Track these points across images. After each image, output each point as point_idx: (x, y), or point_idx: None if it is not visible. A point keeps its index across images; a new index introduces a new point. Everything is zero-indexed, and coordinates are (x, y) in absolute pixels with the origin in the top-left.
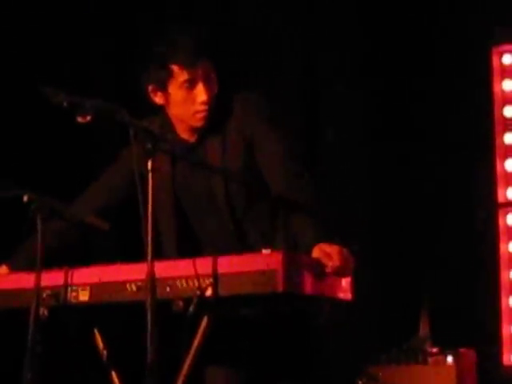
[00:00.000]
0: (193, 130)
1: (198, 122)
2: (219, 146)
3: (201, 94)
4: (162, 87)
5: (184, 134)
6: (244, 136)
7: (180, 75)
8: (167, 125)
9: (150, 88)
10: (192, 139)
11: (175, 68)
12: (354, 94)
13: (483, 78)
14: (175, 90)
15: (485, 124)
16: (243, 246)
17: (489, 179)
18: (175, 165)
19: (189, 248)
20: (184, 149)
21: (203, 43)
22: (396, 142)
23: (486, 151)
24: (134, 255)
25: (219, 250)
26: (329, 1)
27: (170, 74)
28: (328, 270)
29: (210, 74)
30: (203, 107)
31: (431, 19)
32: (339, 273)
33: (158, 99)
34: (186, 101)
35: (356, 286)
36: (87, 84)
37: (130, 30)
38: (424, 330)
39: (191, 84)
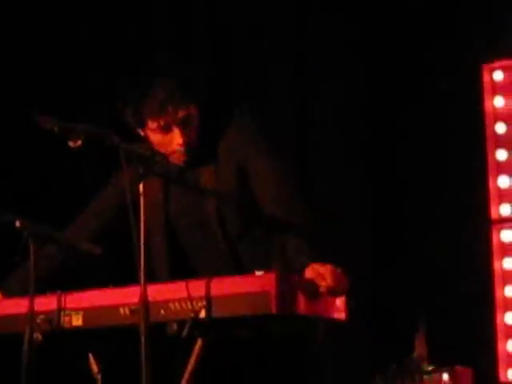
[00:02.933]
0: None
1: (177, 160)
2: (212, 171)
3: (176, 137)
4: (140, 131)
5: (175, 160)
6: (237, 160)
7: (151, 124)
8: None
9: (131, 124)
10: (184, 164)
11: (146, 118)
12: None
13: (474, 94)
14: (151, 135)
15: (477, 141)
16: (237, 268)
17: (481, 196)
18: (167, 188)
19: (181, 271)
20: (176, 173)
21: (179, 86)
22: (388, 160)
23: (479, 168)
24: (125, 279)
25: (213, 272)
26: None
27: (144, 122)
28: (322, 289)
29: (186, 117)
30: (181, 148)
31: (422, 38)
32: (333, 292)
33: (141, 133)
34: (162, 142)
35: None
36: (79, 110)
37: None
38: (420, 348)
39: (165, 129)
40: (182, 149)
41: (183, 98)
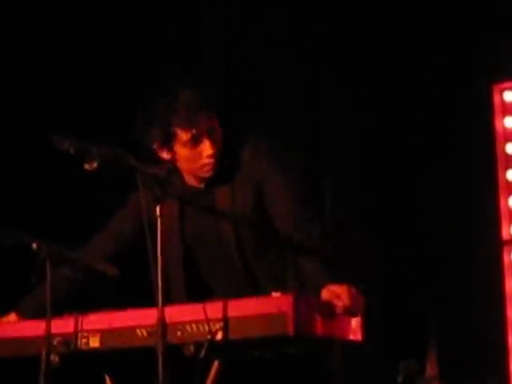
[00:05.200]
0: (201, 178)
1: (206, 173)
2: (228, 192)
3: (207, 148)
4: (168, 146)
5: (192, 181)
6: (253, 181)
7: (183, 135)
8: (175, 172)
9: (156, 146)
10: (200, 186)
11: (178, 130)
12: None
13: (485, 115)
14: (180, 149)
15: (487, 161)
16: (253, 289)
17: (492, 216)
18: (184, 210)
19: (197, 293)
20: (192, 194)
21: (203, 97)
22: (396, 179)
23: (489, 188)
24: (143, 300)
25: (229, 294)
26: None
27: (174, 136)
28: (338, 310)
29: (213, 127)
30: (210, 160)
31: (432, 56)
32: (350, 312)
33: (165, 155)
34: (192, 157)
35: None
36: (92, 132)
37: (129, 78)
38: (431, 368)
39: (196, 141)
40: (212, 161)
41: (209, 107)
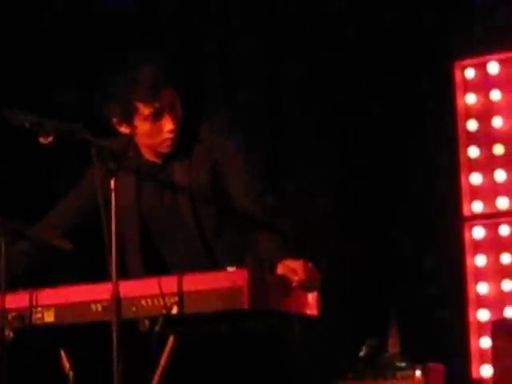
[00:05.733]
0: (159, 153)
1: (165, 149)
2: (186, 168)
3: (167, 124)
4: (128, 121)
5: (150, 157)
6: (210, 158)
7: (145, 110)
8: (132, 146)
9: (115, 120)
10: (158, 161)
11: (139, 104)
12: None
13: (446, 92)
14: (141, 123)
15: (449, 138)
16: (211, 265)
17: (454, 193)
18: (140, 185)
19: (155, 267)
20: (150, 169)
21: (164, 72)
22: (358, 156)
23: (451, 165)
24: (99, 275)
25: (187, 269)
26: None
27: (135, 110)
28: (294, 284)
29: (174, 102)
30: (171, 135)
31: (393, 32)
32: (305, 287)
33: (124, 129)
34: (152, 131)
35: (323, 302)
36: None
37: (90, 54)
38: (393, 345)
39: (157, 116)
40: (172, 136)
41: (169, 82)
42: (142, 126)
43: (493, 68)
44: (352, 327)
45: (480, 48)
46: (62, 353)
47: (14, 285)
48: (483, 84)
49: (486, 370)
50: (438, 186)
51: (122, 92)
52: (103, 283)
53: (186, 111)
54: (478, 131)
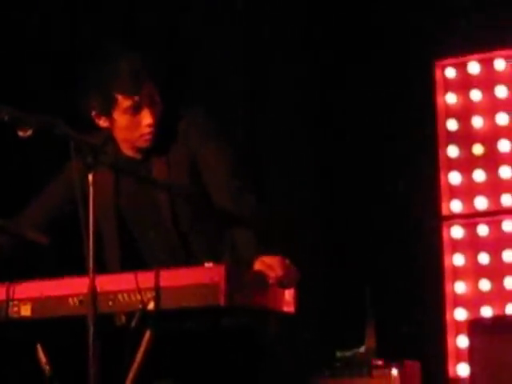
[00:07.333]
0: (138, 148)
1: (143, 143)
2: (164, 163)
3: (146, 117)
4: (106, 113)
5: (128, 152)
6: (189, 153)
7: (124, 102)
8: (111, 141)
9: (94, 113)
10: (137, 156)
11: (119, 96)
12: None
13: (426, 91)
14: (120, 116)
15: (428, 137)
16: (188, 260)
17: (433, 192)
18: (119, 180)
19: (132, 262)
20: (128, 164)
21: (145, 65)
22: (336, 155)
23: (430, 164)
24: (77, 269)
25: (164, 264)
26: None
27: (114, 103)
28: (271, 280)
29: (153, 97)
30: (149, 129)
31: (375, 32)
32: (282, 283)
33: (102, 123)
34: (131, 125)
35: (300, 299)
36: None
37: (69, 49)
38: (369, 342)
39: (136, 109)
40: (151, 130)
41: (149, 75)
42: (121, 120)
43: (473, 68)
44: (329, 325)
45: (460, 48)
46: (39, 346)
47: None
48: (463, 84)
49: (463, 369)
50: (417, 184)
51: (102, 83)
52: (80, 277)
53: (165, 106)
54: (457, 131)
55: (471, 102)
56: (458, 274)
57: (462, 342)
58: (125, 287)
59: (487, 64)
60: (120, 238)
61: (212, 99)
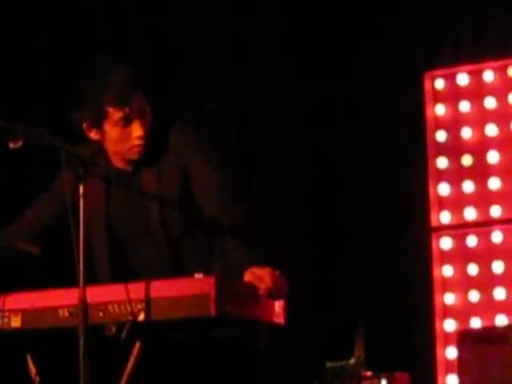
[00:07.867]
0: (128, 160)
1: (134, 155)
2: (155, 175)
3: (136, 129)
4: (97, 125)
5: (119, 164)
6: (179, 165)
7: (115, 114)
8: (102, 153)
9: (85, 125)
10: (128, 168)
11: (110, 109)
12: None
13: (415, 102)
14: (110, 128)
15: (417, 148)
16: (179, 272)
17: (422, 203)
18: (109, 191)
19: (123, 273)
20: (119, 176)
21: (135, 79)
22: (327, 167)
23: (419, 175)
24: (67, 280)
25: (155, 275)
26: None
27: (105, 114)
28: (261, 292)
29: (144, 109)
30: (139, 142)
31: (365, 42)
32: (272, 295)
33: (93, 135)
34: (121, 137)
35: (290, 310)
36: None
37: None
38: (359, 353)
39: (126, 121)
40: (141, 142)
41: (139, 86)
42: (112, 132)
43: (462, 79)
44: (319, 336)
45: (450, 59)
46: (29, 358)
47: None
48: (453, 95)
49: (452, 380)
50: (407, 196)
51: (93, 95)
52: (71, 288)
53: (156, 118)
54: (446, 142)
55: (460, 113)
56: (447, 285)
57: (451, 353)
58: (115, 298)
59: (476, 75)
60: (110, 249)
61: (203, 103)
